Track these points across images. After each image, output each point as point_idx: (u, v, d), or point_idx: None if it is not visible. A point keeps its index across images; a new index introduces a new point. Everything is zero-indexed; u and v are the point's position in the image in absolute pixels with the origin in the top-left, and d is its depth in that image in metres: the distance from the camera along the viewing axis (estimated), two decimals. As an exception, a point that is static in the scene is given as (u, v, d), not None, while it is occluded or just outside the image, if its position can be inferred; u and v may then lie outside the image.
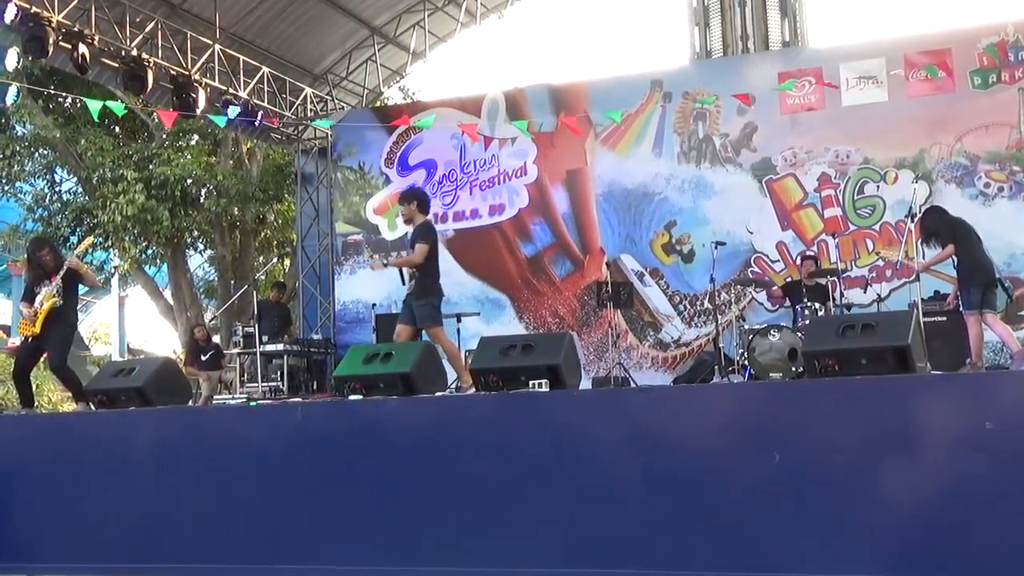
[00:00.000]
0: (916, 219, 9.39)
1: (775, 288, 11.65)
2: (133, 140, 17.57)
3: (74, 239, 16.69)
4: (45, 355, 8.46)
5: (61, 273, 8.13)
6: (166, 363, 7.43)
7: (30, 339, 8.24)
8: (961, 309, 8.86)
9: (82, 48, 11.54)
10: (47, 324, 8.12)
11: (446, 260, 14.63)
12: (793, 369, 9.49)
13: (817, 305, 10.26)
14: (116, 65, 12.55)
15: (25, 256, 8.80)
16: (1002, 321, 9.02)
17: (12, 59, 11.50)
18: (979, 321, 8.54)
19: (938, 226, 8.98)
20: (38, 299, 8.17)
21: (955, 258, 8.79)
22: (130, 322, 28.49)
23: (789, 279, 11.98)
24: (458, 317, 11.67)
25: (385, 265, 8.81)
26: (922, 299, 9.58)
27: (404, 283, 8.47)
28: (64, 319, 8.27)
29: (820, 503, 4.77)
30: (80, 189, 17.25)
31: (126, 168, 15.39)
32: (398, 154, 15.22)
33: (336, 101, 16.57)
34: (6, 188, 17.12)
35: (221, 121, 12.97)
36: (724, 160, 13.50)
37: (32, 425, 7.22)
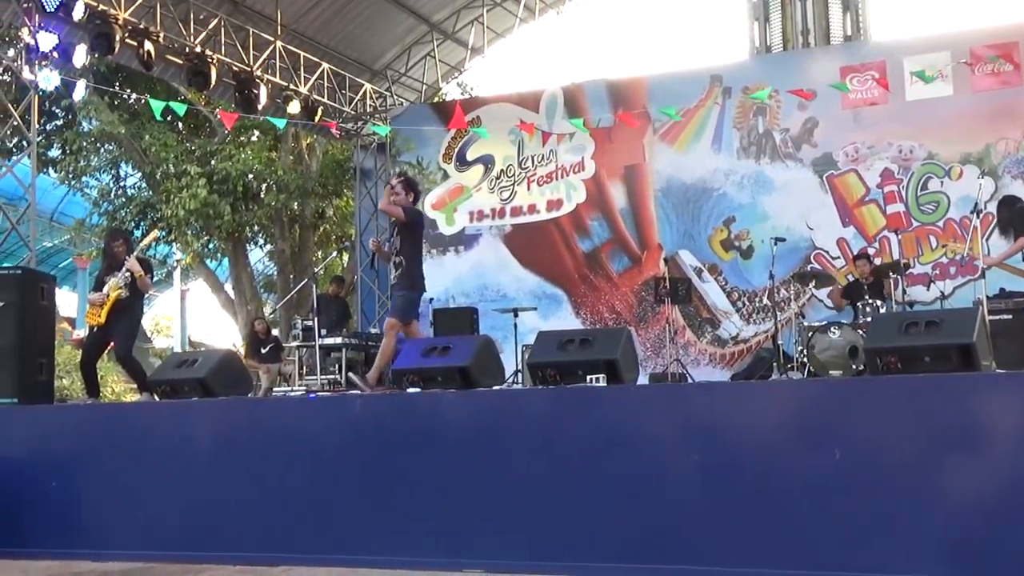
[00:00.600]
0: (982, 214, 9.20)
1: (836, 288, 11.45)
2: (196, 136, 17.81)
3: (138, 233, 16.97)
4: (111, 345, 8.66)
5: (124, 276, 8.33)
6: (228, 355, 7.52)
7: (96, 329, 8.45)
8: None
9: (147, 45, 11.76)
10: (113, 315, 8.33)
11: (503, 255, 14.78)
12: (853, 367, 9.37)
13: (879, 303, 10.12)
14: (180, 62, 12.78)
15: (100, 247, 9.00)
16: None
17: (81, 56, 11.71)
18: None
19: (1014, 218, 8.75)
20: (105, 288, 8.38)
21: None
22: (191, 315, 28.96)
23: (850, 277, 11.82)
24: (515, 312, 11.70)
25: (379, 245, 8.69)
26: (987, 296, 9.40)
27: (389, 270, 8.43)
28: (130, 311, 8.48)
29: (880, 501, 4.71)
30: (144, 184, 17.52)
31: (189, 163, 15.60)
32: (456, 149, 15.29)
33: (395, 97, 16.67)
34: (73, 183, 17.44)
35: (281, 123, 13.13)
36: (784, 155, 13.39)
37: (96, 414, 7.35)
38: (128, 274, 8.34)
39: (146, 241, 9.93)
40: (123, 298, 8.35)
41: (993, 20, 13.89)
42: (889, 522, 4.68)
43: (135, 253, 8.58)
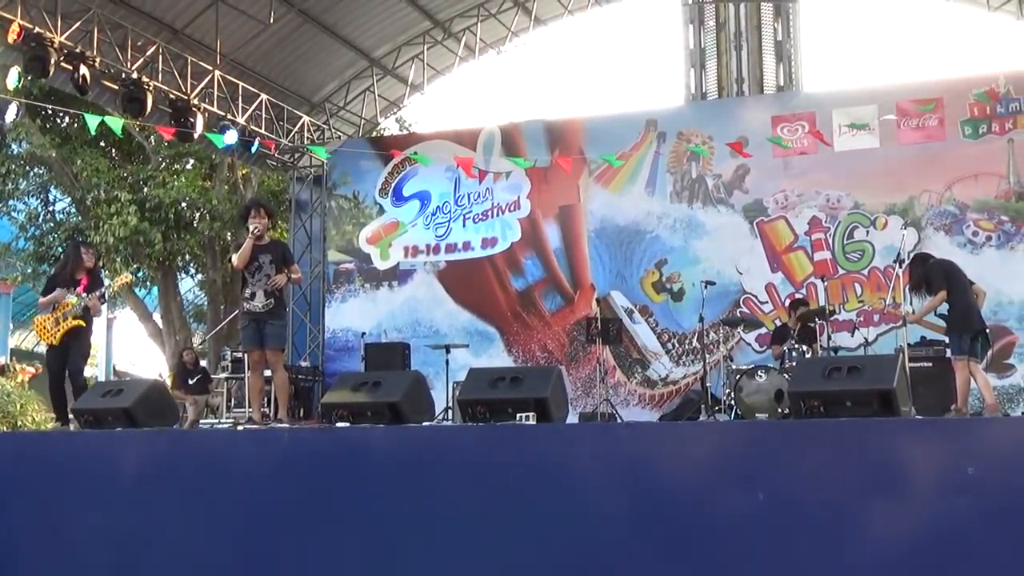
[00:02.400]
0: (904, 265, 9.41)
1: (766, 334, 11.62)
2: (128, 162, 17.62)
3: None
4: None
5: (84, 299, 8.56)
6: (154, 385, 7.42)
7: (51, 349, 8.67)
8: (950, 354, 8.87)
9: (83, 69, 11.63)
10: (68, 335, 8.57)
11: (437, 291, 14.79)
12: (780, 411, 9.50)
13: (804, 347, 10.29)
14: (115, 87, 12.64)
15: (71, 250, 9.26)
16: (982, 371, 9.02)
17: (13, 78, 11.56)
18: (967, 367, 8.56)
19: (929, 272, 8.95)
20: (59, 306, 8.55)
21: (947, 303, 8.78)
22: (117, 344, 28.42)
23: (778, 321, 12.02)
24: (447, 348, 11.71)
25: (289, 280, 8.41)
26: (908, 344, 9.64)
27: (254, 299, 7.95)
28: (85, 330, 8.75)
29: (803, 543, 4.76)
30: (74, 209, 17.28)
31: (120, 190, 15.45)
32: (393, 184, 15.30)
33: (333, 130, 16.66)
34: (0, 206, 17.13)
35: (219, 140, 13.03)
36: (716, 200, 13.62)
37: (14, 443, 7.20)
38: (85, 301, 8.56)
39: (118, 283, 9.86)
40: (80, 327, 8.61)
41: (919, 76, 14.29)
42: (814, 564, 4.73)
43: (99, 295, 8.72)
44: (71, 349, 8.63)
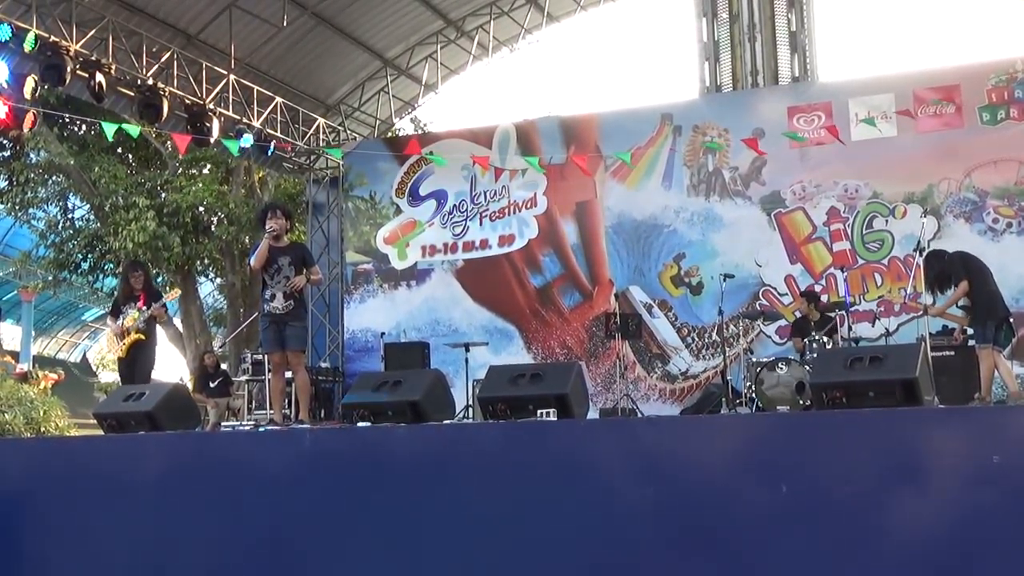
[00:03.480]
0: (925, 253, 9.36)
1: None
2: (146, 168, 17.72)
3: (85, 265, 16.79)
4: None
5: (148, 311, 9.34)
6: (175, 388, 7.45)
7: (120, 361, 9.48)
8: (975, 343, 8.81)
9: (99, 77, 11.68)
10: (134, 349, 9.33)
11: (455, 290, 14.81)
12: (800, 403, 9.49)
13: (825, 339, 10.26)
14: (131, 94, 12.68)
15: (122, 273, 10.38)
16: (1004, 359, 8.99)
17: (30, 87, 11.63)
18: (991, 355, 8.51)
19: (948, 267, 8.90)
20: (123, 319, 9.36)
21: (969, 293, 8.73)
22: (139, 349, 28.53)
23: (798, 313, 11.97)
24: (466, 347, 11.73)
25: (308, 281, 8.40)
26: (930, 333, 9.59)
27: (274, 300, 8.04)
28: (149, 347, 9.52)
29: (826, 535, 4.73)
30: (92, 216, 17.38)
31: (138, 196, 15.52)
32: (409, 184, 15.34)
33: (348, 131, 16.70)
34: (19, 214, 17.26)
35: (234, 146, 13.08)
36: (733, 193, 13.58)
37: (40, 449, 7.25)
38: (146, 314, 9.32)
39: (170, 296, 10.37)
40: (141, 329, 9.35)
41: (935, 63, 14.24)
42: (835, 556, 4.72)
43: (159, 306, 9.53)
44: (136, 361, 9.33)
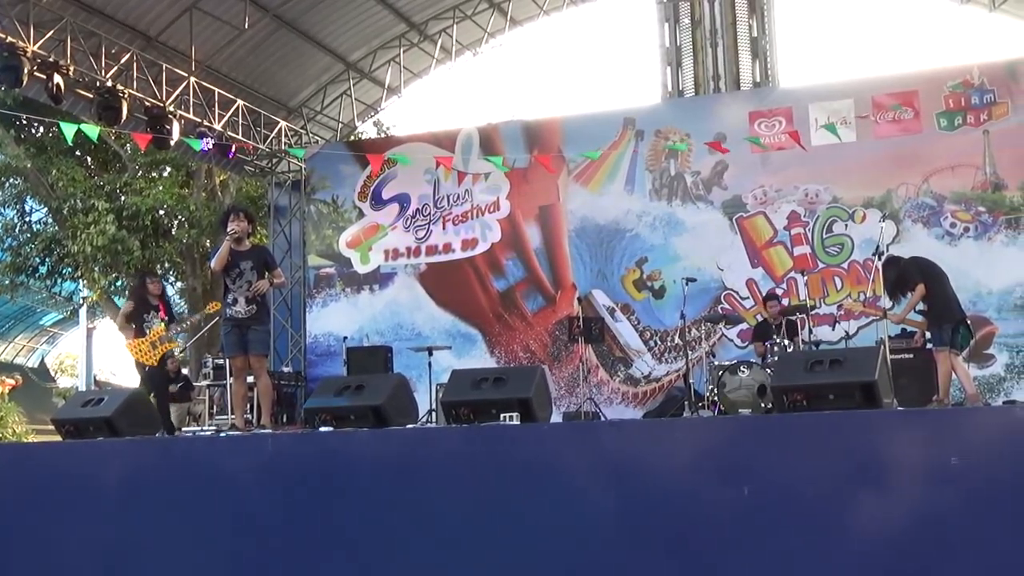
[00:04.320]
0: (884, 257, 9.47)
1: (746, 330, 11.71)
2: (105, 171, 17.55)
3: (43, 269, 16.59)
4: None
5: (172, 332, 9.82)
6: (135, 394, 7.39)
7: (148, 368, 9.65)
8: (932, 346, 8.92)
9: (57, 78, 11.54)
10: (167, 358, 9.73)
11: (418, 293, 14.78)
12: (762, 405, 9.54)
13: (787, 342, 10.34)
14: (90, 96, 12.55)
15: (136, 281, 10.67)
16: (962, 362, 9.11)
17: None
18: (948, 359, 8.62)
19: (904, 272, 9.02)
20: (148, 329, 9.56)
21: (926, 297, 8.83)
22: (98, 354, 28.28)
23: (760, 317, 12.05)
24: (430, 351, 11.70)
25: (271, 285, 8.41)
26: (889, 337, 9.69)
27: (236, 305, 8.05)
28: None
29: (788, 536, 4.78)
30: (50, 219, 17.18)
31: (97, 198, 15.37)
32: (372, 188, 15.28)
33: (310, 135, 16.62)
34: (-25, 218, 17.04)
35: (196, 145, 12.97)
36: (695, 197, 13.66)
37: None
38: (172, 337, 9.85)
39: (210, 309, 10.23)
40: (173, 339, 9.81)
41: (894, 69, 14.40)
42: (796, 556, 4.75)
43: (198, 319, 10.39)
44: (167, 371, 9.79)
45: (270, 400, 8.50)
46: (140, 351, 9.53)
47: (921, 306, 8.95)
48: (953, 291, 8.93)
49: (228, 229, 8.06)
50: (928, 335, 9.12)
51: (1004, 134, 12.51)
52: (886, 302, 9.40)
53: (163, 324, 9.47)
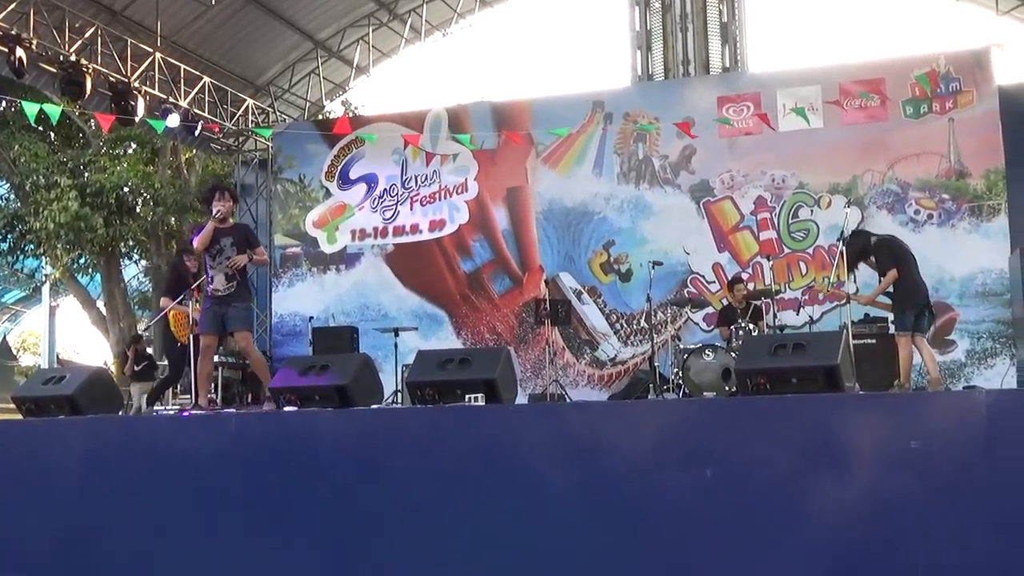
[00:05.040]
0: (853, 230, 9.51)
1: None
2: (68, 147, 17.35)
3: (4, 246, 16.39)
4: None
5: None
6: (98, 372, 7.30)
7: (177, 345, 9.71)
8: (893, 331, 8.98)
9: (19, 52, 11.39)
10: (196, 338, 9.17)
11: (385, 274, 14.74)
12: (726, 388, 9.61)
13: (752, 326, 10.41)
14: (53, 70, 12.39)
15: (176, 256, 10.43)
16: (927, 345, 9.18)
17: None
18: (910, 343, 8.69)
19: (875, 249, 9.03)
20: (189, 305, 9.36)
21: (897, 280, 8.81)
22: (61, 332, 27.98)
23: (725, 301, 12.11)
24: (396, 331, 11.68)
25: (251, 261, 8.25)
26: (852, 321, 9.77)
27: (215, 282, 7.97)
28: None
29: (750, 518, 4.82)
30: (12, 195, 16.97)
31: (60, 175, 15.18)
32: (339, 168, 15.19)
33: (278, 113, 16.50)
34: (-65, 193, 16.80)
35: (160, 126, 12.84)
36: (663, 181, 13.69)
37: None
38: None
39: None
40: None
41: (861, 56, 14.49)
42: (759, 537, 4.79)
43: None
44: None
45: (267, 372, 8.47)
46: (180, 327, 9.54)
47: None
48: (920, 275, 8.99)
49: (213, 210, 8.00)
50: (891, 318, 9.16)
51: (969, 123, 12.62)
52: (851, 287, 9.45)
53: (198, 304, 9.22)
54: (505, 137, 13.85)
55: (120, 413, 7.57)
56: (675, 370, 10.42)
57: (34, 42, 11.72)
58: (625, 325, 13.64)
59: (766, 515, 4.80)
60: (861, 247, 9.12)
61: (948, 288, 12.32)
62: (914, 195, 12.73)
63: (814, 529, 4.73)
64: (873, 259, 9.06)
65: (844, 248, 9.29)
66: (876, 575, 4.62)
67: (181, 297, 9.60)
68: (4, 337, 37.88)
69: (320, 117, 17.52)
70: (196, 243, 8.07)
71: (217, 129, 14.72)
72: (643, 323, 13.21)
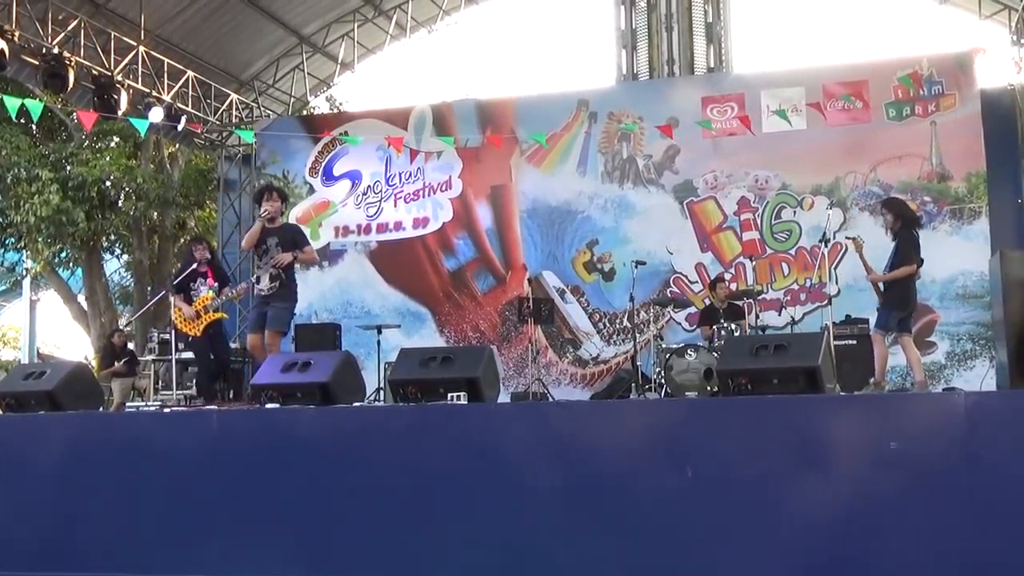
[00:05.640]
0: (830, 244, 9.40)
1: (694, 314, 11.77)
2: (50, 140, 17.27)
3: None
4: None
5: (223, 297, 9.20)
6: (78, 368, 7.29)
7: (193, 340, 9.33)
8: (872, 327, 8.89)
9: (1, 44, 11.31)
10: (212, 328, 9.20)
11: (368, 271, 14.73)
12: (708, 388, 9.65)
13: (733, 326, 10.46)
14: (36, 62, 12.32)
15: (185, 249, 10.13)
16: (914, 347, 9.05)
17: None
18: (884, 341, 8.64)
19: (908, 237, 8.57)
20: (196, 298, 9.17)
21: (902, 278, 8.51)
22: (41, 326, 27.82)
23: (708, 300, 12.13)
24: (379, 329, 11.68)
25: (296, 260, 8.37)
26: (834, 322, 9.82)
27: (260, 283, 8.14)
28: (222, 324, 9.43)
29: (730, 517, 4.88)
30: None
31: (42, 168, 15.10)
32: (323, 164, 15.17)
33: (262, 108, 16.46)
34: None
35: (142, 125, 12.78)
36: (647, 181, 13.74)
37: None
38: (220, 300, 9.17)
39: (237, 292, 9.94)
40: (219, 308, 9.23)
41: (845, 58, 14.56)
42: (738, 536, 4.85)
43: (239, 290, 9.50)
44: (215, 340, 9.26)
45: None
46: (185, 322, 9.36)
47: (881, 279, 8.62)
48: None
49: (262, 210, 8.14)
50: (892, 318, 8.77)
51: (951, 125, 12.70)
52: (831, 289, 9.43)
53: (211, 292, 9.16)
54: (490, 134, 13.86)
55: (100, 409, 7.56)
56: (657, 370, 10.47)
57: (16, 34, 11.65)
58: (608, 324, 13.68)
59: (746, 514, 4.87)
60: (913, 217, 8.78)
61: (929, 290, 12.36)
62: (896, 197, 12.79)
63: (794, 527, 4.80)
64: (901, 239, 8.59)
65: (826, 250, 9.03)
66: (856, 572, 4.68)
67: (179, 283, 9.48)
68: (-18, 331, 37.65)
69: (304, 112, 17.48)
70: (244, 242, 8.19)
71: (199, 127, 14.68)
72: (626, 322, 13.27)
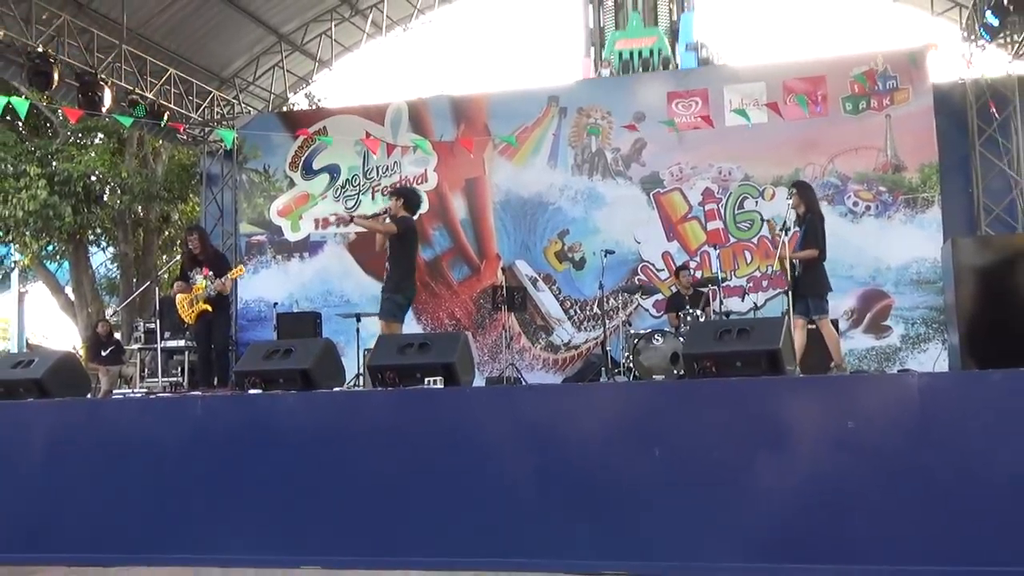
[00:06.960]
0: (791, 233, 9.74)
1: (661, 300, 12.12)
2: (36, 136, 17.47)
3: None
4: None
5: (213, 287, 9.55)
6: (66, 356, 7.20)
7: (189, 326, 9.92)
8: (813, 315, 9.13)
9: (-15, 42, 11.54)
10: (202, 317, 9.60)
11: (347, 261, 15.06)
12: (674, 372, 9.98)
13: (699, 312, 10.84)
14: (21, 61, 12.56)
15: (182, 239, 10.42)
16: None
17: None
18: (829, 323, 9.12)
19: (815, 219, 9.07)
20: (192, 284, 9.60)
21: (812, 263, 8.96)
22: (30, 318, 27.94)
23: (674, 288, 12.54)
24: (358, 317, 11.90)
25: (351, 219, 9.53)
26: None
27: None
28: (219, 315, 9.82)
29: (697, 497, 5.00)
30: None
31: (29, 164, 15.32)
32: (303, 158, 15.47)
33: (243, 105, 16.72)
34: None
35: (127, 122, 13.06)
36: (615, 173, 14.12)
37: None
38: (212, 289, 9.52)
39: (234, 273, 10.25)
40: (211, 298, 9.55)
41: (804, 55, 14.98)
42: (708, 514, 4.97)
43: (222, 283, 9.64)
44: (212, 328, 9.65)
45: None
46: (183, 308, 9.70)
47: (799, 266, 9.03)
48: None
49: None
50: (810, 304, 9.09)
51: (905, 119, 13.14)
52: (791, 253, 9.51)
53: (205, 281, 9.47)
54: (464, 129, 14.24)
55: (88, 396, 7.67)
56: (626, 354, 10.74)
57: (2, 33, 11.87)
58: (578, 311, 14.04)
59: (712, 491, 4.98)
60: (819, 210, 9.20)
61: (884, 276, 12.88)
62: (853, 187, 13.24)
63: (758, 504, 4.91)
64: (806, 224, 9.07)
65: (787, 238, 9.44)
66: (816, 547, 4.83)
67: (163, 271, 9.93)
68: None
69: (284, 109, 17.77)
70: (377, 245, 9.13)
71: (181, 127, 14.96)
72: (596, 309, 13.57)
